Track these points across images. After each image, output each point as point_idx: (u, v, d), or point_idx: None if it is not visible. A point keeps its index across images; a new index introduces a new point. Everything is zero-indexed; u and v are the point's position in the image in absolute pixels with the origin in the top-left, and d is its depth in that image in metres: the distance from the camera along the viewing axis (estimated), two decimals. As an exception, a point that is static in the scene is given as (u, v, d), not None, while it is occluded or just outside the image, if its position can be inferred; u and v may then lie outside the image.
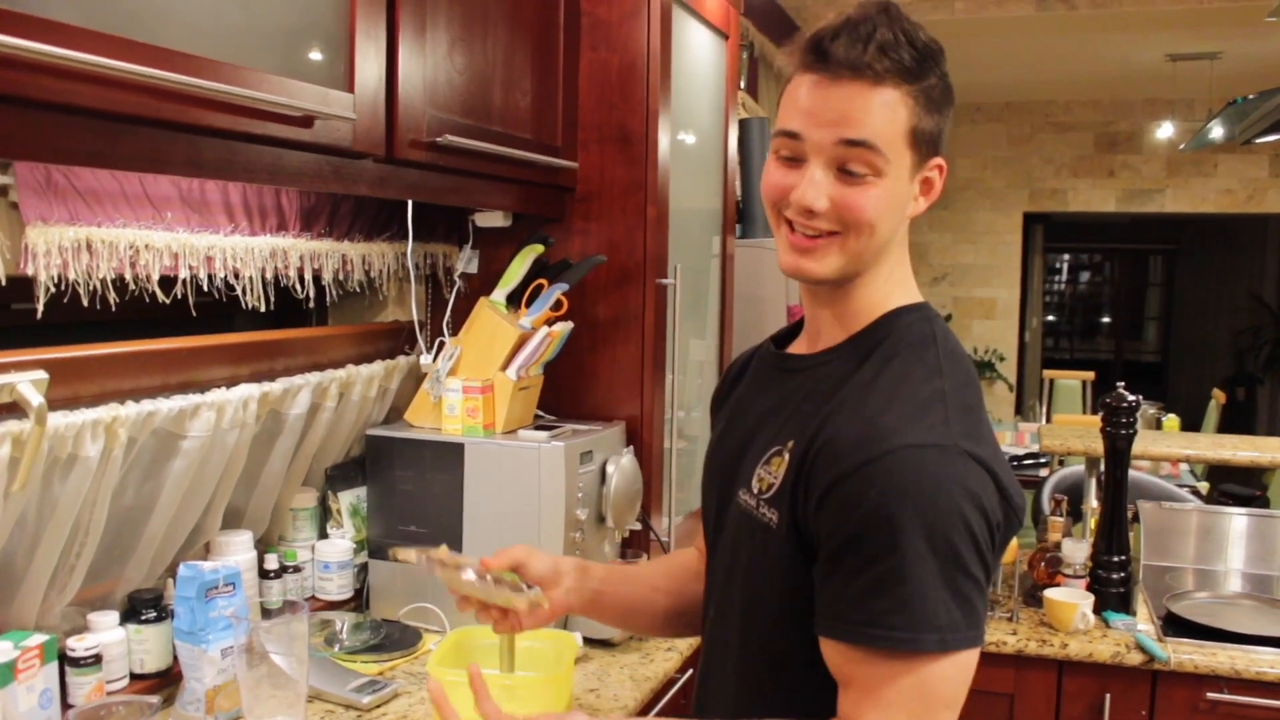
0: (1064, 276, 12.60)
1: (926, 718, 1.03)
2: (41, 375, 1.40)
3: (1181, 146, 6.20)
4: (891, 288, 1.18)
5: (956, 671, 1.04)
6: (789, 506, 1.10)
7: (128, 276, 1.58)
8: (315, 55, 1.50)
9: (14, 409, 1.38)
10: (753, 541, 1.16)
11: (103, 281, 1.53)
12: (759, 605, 1.16)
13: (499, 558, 1.31)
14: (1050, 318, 11.86)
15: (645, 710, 1.85)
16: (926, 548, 1.00)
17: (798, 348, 1.26)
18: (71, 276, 1.47)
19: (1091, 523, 2.80)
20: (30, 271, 1.42)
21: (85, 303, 1.51)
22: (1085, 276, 12.69)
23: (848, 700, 1.06)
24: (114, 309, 1.55)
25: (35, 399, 1.37)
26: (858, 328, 1.17)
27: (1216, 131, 4.31)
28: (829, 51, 1.08)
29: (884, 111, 1.08)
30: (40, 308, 1.43)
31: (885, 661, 1.02)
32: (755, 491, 1.16)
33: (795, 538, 1.10)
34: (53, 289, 1.46)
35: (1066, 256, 12.36)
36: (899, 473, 1.01)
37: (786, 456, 1.12)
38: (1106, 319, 12.45)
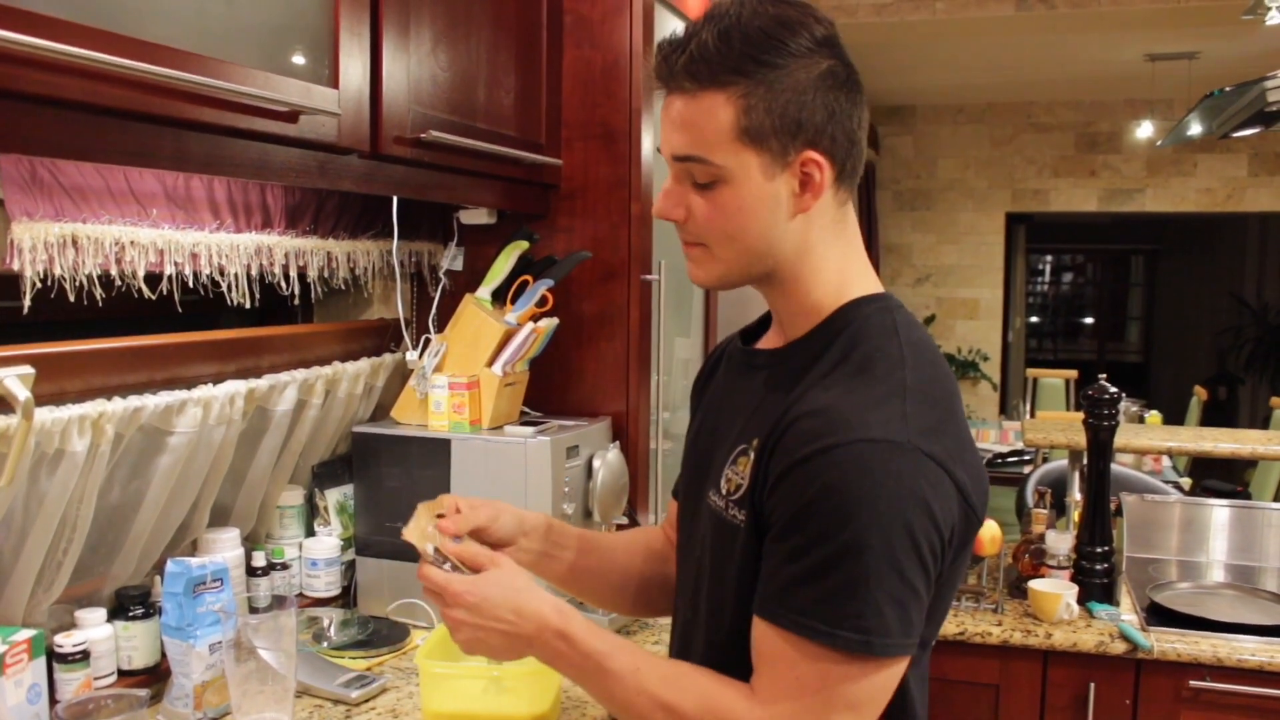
0: (1047, 278, 12.69)
1: (822, 713, 1.02)
2: (28, 370, 1.40)
3: (1159, 142, 6.25)
4: (846, 279, 1.15)
5: (871, 676, 1.02)
6: (751, 504, 1.09)
7: (114, 273, 1.58)
8: (300, 52, 1.50)
9: (0, 404, 1.39)
10: (721, 543, 1.16)
11: (89, 278, 1.53)
12: (726, 606, 1.16)
13: (472, 514, 1.28)
14: (1034, 319, 11.93)
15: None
16: (861, 547, 0.98)
17: (765, 343, 1.25)
18: (57, 272, 1.47)
19: (1075, 515, 2.82)
20: (16, 267, 1.42)
21: (71, 299, 1.51)
22: (1068, 278, 12.79)
23: (756, 675, 1.06)
24: (100, 305, 1.55)
25: (22, 393, 1.37)
26: (817, 320, 1.15)
27: (1195, 127, 4.35)
28: (658, 68, 1.10)
29: (704, 119, 1.07)
30: (26, 303, 1.43)
31: (798, 647, 1.01)
32: (724, 493, 1.15)
33: (759, 536, 1.08)
34: (39, 285, 1.46)
35: (1049, 258, 12.45)
36: (844, 467, 0.99)
37: (752, 455, 1.11)
38: (1089, 319, 12.54)
